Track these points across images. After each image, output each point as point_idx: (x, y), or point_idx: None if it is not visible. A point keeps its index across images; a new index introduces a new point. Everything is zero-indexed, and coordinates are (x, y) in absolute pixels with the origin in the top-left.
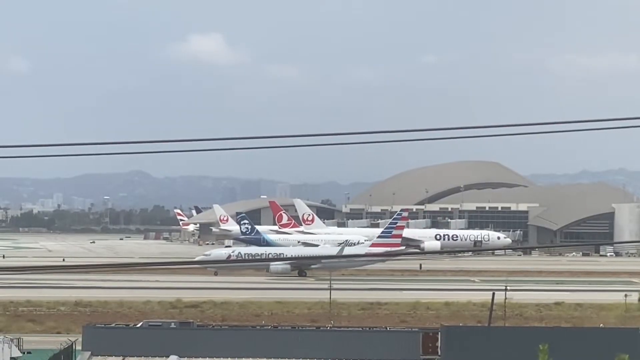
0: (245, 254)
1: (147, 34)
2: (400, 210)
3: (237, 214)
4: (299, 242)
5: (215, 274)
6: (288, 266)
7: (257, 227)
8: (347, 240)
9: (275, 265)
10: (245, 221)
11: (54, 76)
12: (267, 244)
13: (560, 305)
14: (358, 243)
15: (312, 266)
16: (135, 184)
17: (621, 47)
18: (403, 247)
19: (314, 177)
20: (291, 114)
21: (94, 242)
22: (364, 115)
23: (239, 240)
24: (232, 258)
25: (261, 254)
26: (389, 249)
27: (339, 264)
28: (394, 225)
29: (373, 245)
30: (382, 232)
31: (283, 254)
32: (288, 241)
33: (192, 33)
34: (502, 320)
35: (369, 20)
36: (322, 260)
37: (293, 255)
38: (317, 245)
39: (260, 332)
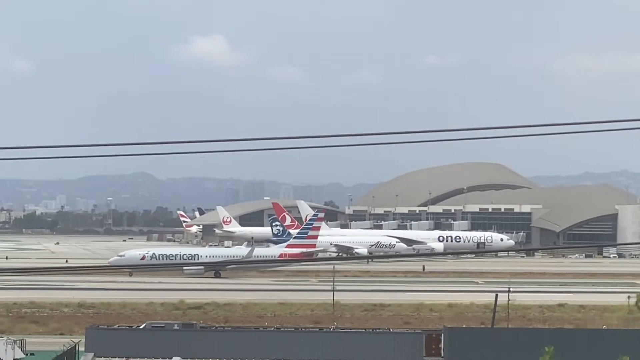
0: (159, 255)
1: (149, 36)
2: (317, 211)
3: (269, 216)
4: (331, 244)
5: (130, 274)
6: (202, 267)
7: (260, 228)
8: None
9: (188, 268)
10: (277, 223)
11: (57, 77)
12: None
13: (563, 306)
14: (389, 245)
15: (227, 267)
16: (138, 185)
17: (624, 48)
18: (320, 248)
19: (317, 178)
20: (294, 115)
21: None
22: (367, 117)
23: (270, 242)
24: (146, 259)
25: (175, 255)
26: (304, 249)
27: (252, 265)
28: (310, 226)
29: (289, 246)
30: (298, 233)
31: (198, 255)
32: (320, 243)
33: (195, 34)
34: (505, 321)
35: (370, 21)
36: (237, 260)
37: (206, 257)
38: (349, 247)
39: (263, 334)
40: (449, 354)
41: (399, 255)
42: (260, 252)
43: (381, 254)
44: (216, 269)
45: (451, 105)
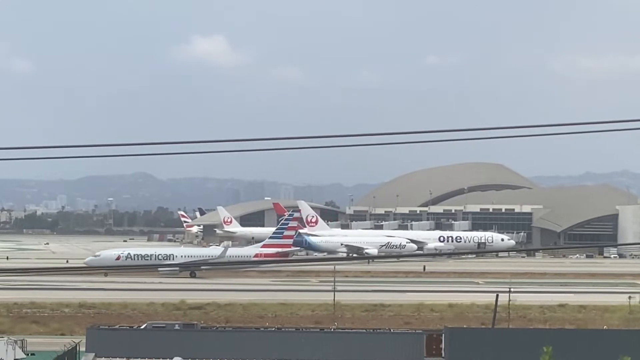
0: (134, 255)
1: (150, 36)
2: (292, 211)
3: (279, 216)
4: (342, 244)
5: (105, 275)
6: (176, 267)
7: (261, 228)
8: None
9: (163, 269)
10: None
11: (58, 78)
12: (310, 246)
13: (564, 307)
14: (400, 245)
15: (202, 267)
16: (139, 185)
17: (625, 48)
18: (297, 248)
19: (317, 178)
20: (294, 115)
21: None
22: (367, 117)
23: None
24: (121, 259)
25: (150, 255)
26: (280, 249)
27: (227, 265)
28: (286, 226)
29: (264, 246)
30: (274, 233)
31: (173, 255)
32: (330, 244)
33: (195, 35)
34: (506, 322)
35: (371, 21)
36: (210, 260)
37: (181, 257)
38: (359, 247)
39: (264, 334)
40: (449, 354)
41: (397, 256)
42: (234, 252)
43: (382, 254)
44: (190, 269)
45: (451, 105)
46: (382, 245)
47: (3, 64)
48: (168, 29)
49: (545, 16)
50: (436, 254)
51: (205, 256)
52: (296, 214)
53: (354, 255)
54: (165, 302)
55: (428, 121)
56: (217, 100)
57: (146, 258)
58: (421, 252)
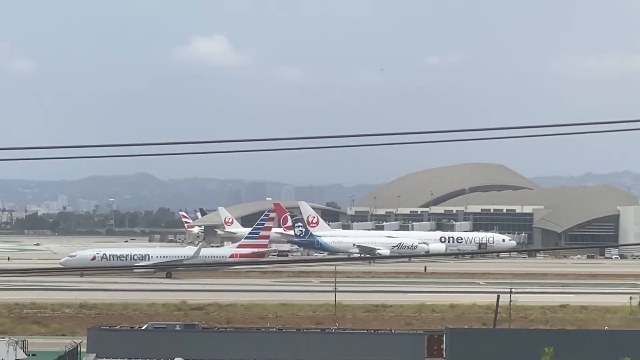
0: (110, 256)
1: (151, 37)
2: (268, 211)
3: (293, 217)
4: (354, 244)
5: (81, 275)
6: (151, 268)
7: None
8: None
9: (138, 269)
10: (299, 224)
11: (58, 78)
12: (321, 246)
13: (565, 307)
14: (412, 246)
15: (178, 267)
16: (140, 186)
17: (627, 48)
18: (273, 248)
19: (318, 179)
20: (295, 116)
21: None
22: (367, 117)
23: (292, 242)
24: (97, 259)
25: (126, 255)
26: (256, 249)
27: (202, 265)
28: (262, 226)
29: (240, 246)
30: (250, 233)
31: (148, 255)
32: (342, 244)
33: (195, 35)
34: (507, 322)
35: (371, 21)
36: (185, 261)
37: (157, 258)
38: (371, 248)
39: (265, 334)
40: (450, 355)
41: (397, 256)
42: (209, 252)
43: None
44: (166, 269)
45: (451, 105)
46: (395, 246)
47: (3, 64)
48: (168, 29)
49: (546, 16)
50: (434, 254)
51: (180, 256)
52: (272, 215)
53: (363, 255)
54: (166, 302)
55: (428, 121)
56: (217, 101)
57: (122, 258)
58: (424, 253)
